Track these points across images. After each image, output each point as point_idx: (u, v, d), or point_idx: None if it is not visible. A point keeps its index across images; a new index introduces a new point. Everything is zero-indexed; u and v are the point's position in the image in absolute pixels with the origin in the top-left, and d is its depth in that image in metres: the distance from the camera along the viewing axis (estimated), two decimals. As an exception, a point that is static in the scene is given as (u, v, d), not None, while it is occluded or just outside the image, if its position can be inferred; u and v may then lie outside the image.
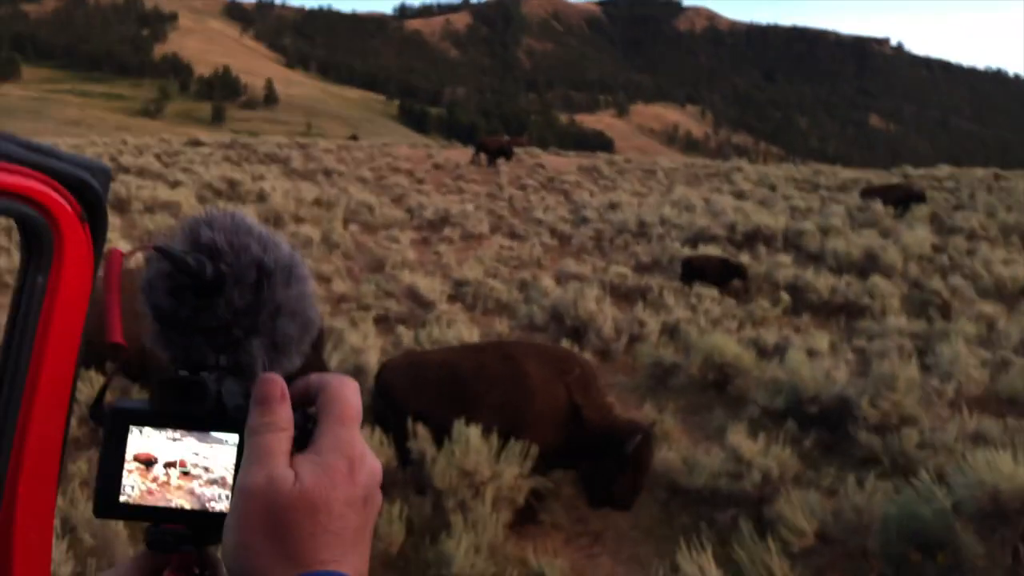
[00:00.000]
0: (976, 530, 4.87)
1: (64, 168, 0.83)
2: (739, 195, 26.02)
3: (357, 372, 7.66)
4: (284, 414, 0.71)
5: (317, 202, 20.22)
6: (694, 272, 13.62)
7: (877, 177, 33.90)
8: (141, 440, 0.75)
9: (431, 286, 12.24)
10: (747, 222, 18.21)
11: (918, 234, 17.35)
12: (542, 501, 5.96)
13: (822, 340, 10.17)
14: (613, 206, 22.43)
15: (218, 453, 0.74)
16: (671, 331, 10.75)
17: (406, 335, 9.53)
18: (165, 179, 22.15)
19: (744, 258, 15.16)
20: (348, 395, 0.73)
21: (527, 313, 11.37)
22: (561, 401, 5.67)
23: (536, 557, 5.05)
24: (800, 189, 29.31)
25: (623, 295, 13.06)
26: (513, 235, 18.86)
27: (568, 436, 5.65)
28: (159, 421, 0.74)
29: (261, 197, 19.95)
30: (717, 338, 9.45)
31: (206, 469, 0.74)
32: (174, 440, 0.74)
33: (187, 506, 0.74)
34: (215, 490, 0.74)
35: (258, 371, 0.75)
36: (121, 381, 6.78)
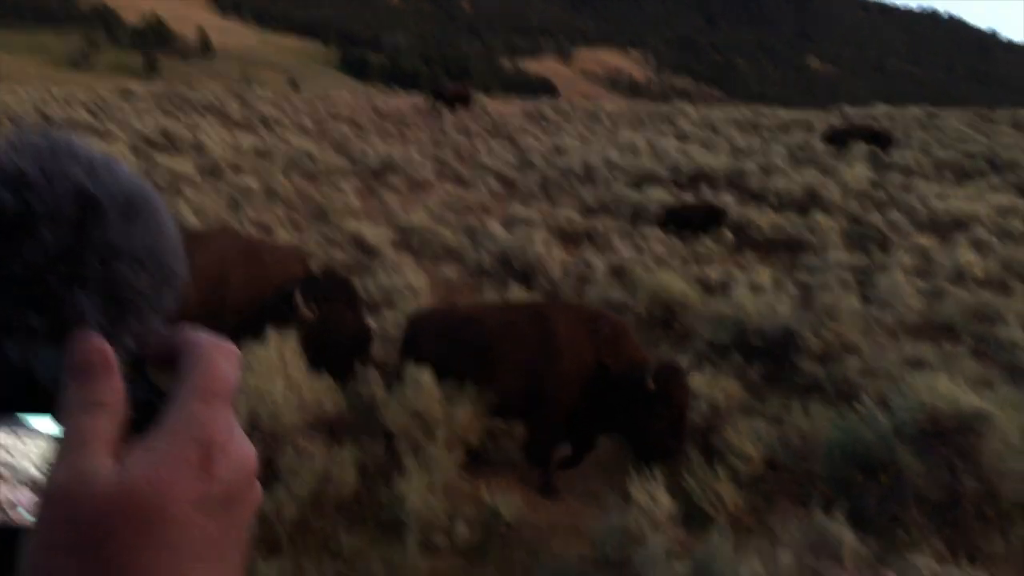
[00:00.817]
0: (916, 450, 5.03)
1: None
2: (682, 137, 26.12)
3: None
4: (107, 385, 0.52)
5: (257, 152, 19.70)
6: (677, 221, 13.38)
7: (816, 118, 34.30)
8: None
9: (377, 234, 12.07)
10: (691, 163, 18.32)
11: (856, 171, 17.67)
12: (496, 441, 5.98)
13: (765, 275, 10.34)
14: (559, 151, 22.33)
15: (29, 444, 0.55)
16: (618, 272, 10.81)
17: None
18: (96, 131, 21.32)
19: (688, 198, 15.26)
20: (218, 362, 0.54)
21: (475, 258, 11.30)
22: (588, 361, 5.57)
23: (490, 495, 5.08)
24: (742, 130, 29.54)
25: (570, 238, 13.07)
26: (459, 181, 18.67)
27: (596, 397, 5.56)
28: None
29: (199, 148, 19.35)
30: (663, 276, 9.53)
31: (11, 468, 0.55)
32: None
33: None
34: (25, 495, 0.54)
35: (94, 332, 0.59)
36: None
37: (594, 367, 5.56)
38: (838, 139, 22.10)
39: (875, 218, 14.07)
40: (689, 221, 13.34)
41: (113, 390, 0.52)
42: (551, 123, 31.08)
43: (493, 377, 5.60)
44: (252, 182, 15.76)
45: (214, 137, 20.42)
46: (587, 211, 15.39)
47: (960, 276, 10.42)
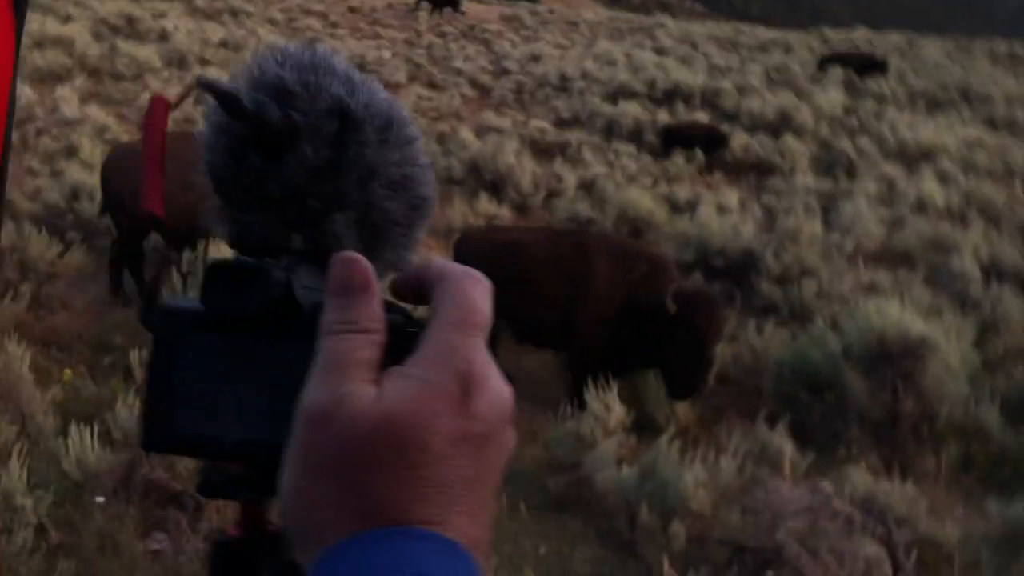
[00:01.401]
0: (862, 372, 5.25)
1: None
2: (660, 51, 25.72)
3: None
4: (367, 309, 0.50)
5: (223, 44, 19.05)
6: (675, 140, 13.00)
7: (797, 39, 33.92)
8: (198, 350, 0.55)
9: (346, 135, 11.90)
10: (667, 79, 18.13)
11: (831, 96, 17.64)
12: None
13: (732, 197, 10.44)
14: (535, 58, 21.91)
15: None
16: (588, 186, 10.83)
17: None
18: (55, 12, 20.42)
19: (662, 115, 15.18)
20: (474, 294, 0.51)
21: (445, 166, 11.21)
22: (621, 298, 5.51)
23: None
24: (721, 48, 29.16)
25: (542, 150, 12.99)
26: (432, 85, 18.31)
27: (627, 332, 5.47)
28: (217, 324, 0.54)
29: (163, 36, 18.67)
30: (632, 193, 9.59)
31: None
32: (237, 349, 0.54)
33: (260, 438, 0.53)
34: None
35: None
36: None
37: (626, 302, 5.49)
38: (829, 64, 21.71)
39: (845, 144, 14.15)
40: (688, 142, 13.00)
41: (373, 314, 0.50)
42: (529, 29, 30.37)
43: (530, 303, 5.58)
44: (219, 75, 15.31)
45: (180, 26, 19.70)
46: (560, 123, 15.26)
47: (922, 206, 10.60)
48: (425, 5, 29.57)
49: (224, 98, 0.54)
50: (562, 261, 5.77)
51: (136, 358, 4.91)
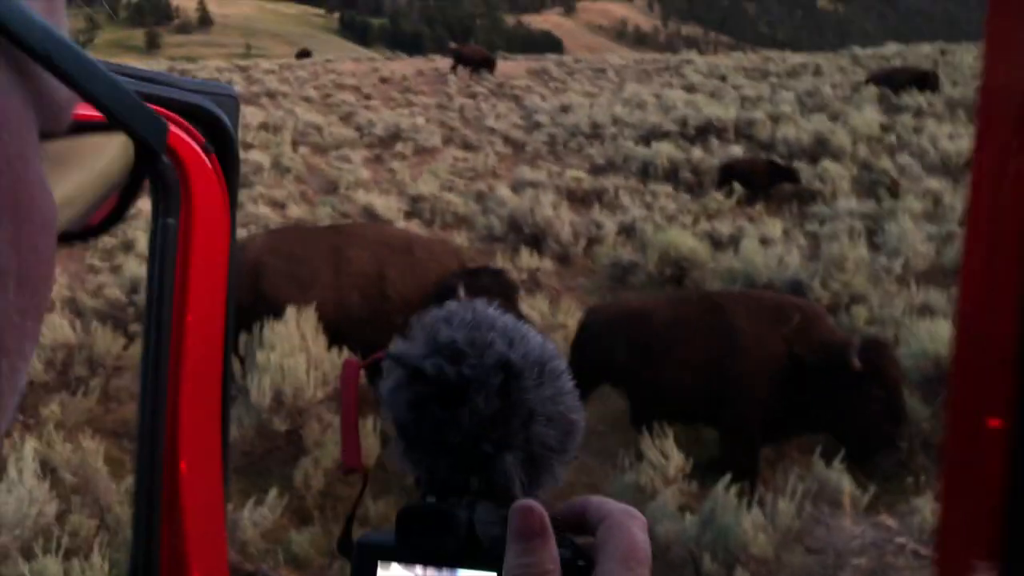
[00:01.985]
0: (922, 397, 5.16)
1: (182, 97, 0.74)
2: (690, 88, 25.88)
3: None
4: (546, 553, 0.56)
5: (263, 126, 19.75)
6: (734, 177, 12.54)
7: (826, 61, 33.82)
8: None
9: (387, 204, 12.19)
10: (698, 115, 18.22)
11: (866, 115, 17.51)
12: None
13: (775, 227, 10.40)
14: (565, 109, 22.23)
15: None
16: (628, 230, 10.89)
17: (366, 255, 9.55)
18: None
19: (696, 152, 15.23)
20: (635, 531, 0.58)
21: (485, 224, 11.41)
22: (778, 356, 5.03)
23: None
24: (750, 78, 29.21)
25: (580, 199, 13.12)
26: (466, 146, 18.69)
27: (792, 392, 4.98)
28: (406, 557, 0.62)
29: (205, 125, 19.44)
30: (673, 234, 9.61)
31: None
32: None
33: None
34: None
35: (516, 492, 0.64)
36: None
37: (784, 360, 5.00)
38: (884, 82, 21.18)
39: (885, 163, 14.01)
40: (747, 179, 12.44)
41: (552, 558, 0.56)
42: (556, 80, 30.86)
43: (662, 377, 5.27)
44: (261, 158, 15.86)
45: (221, 113, 20.48)
46: (595, 170, 15.41)
47: (970, 218, 10.39)
48: (462, 70, 30.17)
49: (411, 369, 0.63)
50: (695, 324, 5.39)
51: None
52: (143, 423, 0.91)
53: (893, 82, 21.06)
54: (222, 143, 0.78)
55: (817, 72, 30.61)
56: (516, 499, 0.63)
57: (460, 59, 30.21)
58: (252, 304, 5.94)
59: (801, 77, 28.93)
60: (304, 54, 46.47)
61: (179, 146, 0.74)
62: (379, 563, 0.63)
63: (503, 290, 5.69)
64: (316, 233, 7.03)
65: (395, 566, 0.62)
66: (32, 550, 3.72)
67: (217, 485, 0.96)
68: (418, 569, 0.62)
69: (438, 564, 0.61)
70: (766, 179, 12.54)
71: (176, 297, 0.79)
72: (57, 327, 6.61)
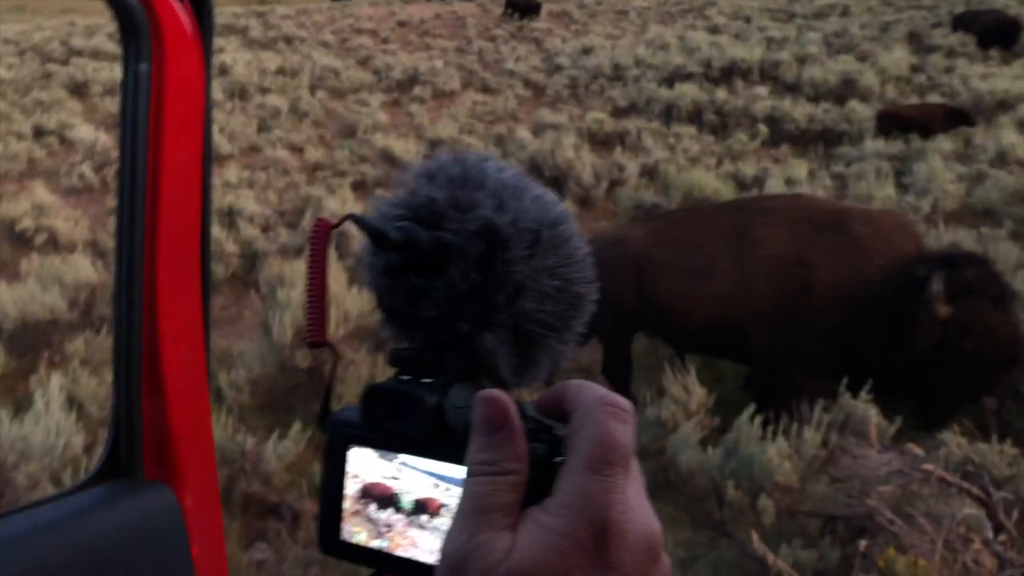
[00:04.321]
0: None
1: None
2: (713, 30, 25.31)
3: (338, 237, 7.68)
4: (508, 449, 0.49)
5: (281, 71, 19.58)
6: (899, 124, 11.47)
7: (854, 1, 32.90)
8: (366, 464, 0.57)
9: (405, 148, 12.08)
10: (722, 57, 17.84)
11: (895, 55, 17.07)
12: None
13: (800, 168, 10.21)
14: (586, 51, 21.84)
15: (455, 490, 0.55)
16: (650, 172, 10.74)
17: (385, 197, 9.51)
18: (117, 58, 21.30)
19: (721, 93, 14.94)
20: (610, 426, 0.49)
21: (505, 166, 11.29)
22: (844, 290, 4.39)
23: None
24: (776, 19, 28.51)
25: (601, 141, 12.94)
26: (486, 89, 18.44)
27: (855, 343, 4.29)
28: (372, 441, 0.57)
29: (223, 70, 19.28)
30: (696, 174, 9.48)
31: (443, 510, 0.55)
32: (402, 467, 0.56)
33: (421, 559, 0.55)
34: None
35: (503, 374, 0.57)
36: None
37: (858, 295, 4.30)
38: (959, 27, 19.17)
39: (915, 103, 13.67)
40: (917, 124, 11.32)
41: (516, 456, 0.50)
42: (578, 23, 30.27)
43: (696, 298, 4.73)
44: (279, 102, 15.75)
45: (237, 58, 20.32)
46: (617, 112, 15.18)
47: (1003, 159, 10.16)
48: (511, 15, 29.94)
49: (372, 235, 0.56)
50: (748, 238, 4.68)
51: (225, 380, 5.12)
52: (119, 284, 0.89)
53: (974, 27, 18.61)
54: None
55: (845, 13, 29.80)
56: (506, 382, 0.57)
57: (511, 4, 30.36)
58: (637, 308, 4.99)
59: (828, 18, 28.19)
60: None
61: None
62: (352, 446, 0.57)
63: (992, 288, 4.12)
64: (712, 212, 5.51)
65: (369, 450, 0.57)
66: (61, 479, 3.78)
67: (199, 347, 0.94)
68: (392, 455, 0.56)
69: (405, 450, 0.55)
70: (942, 124, 11.27)
71: (150, 147, 0.75)
72: (79, 267, 6.64)
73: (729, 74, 17.16)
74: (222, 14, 34.13)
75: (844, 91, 14.96)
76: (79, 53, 22.61)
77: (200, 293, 0.92)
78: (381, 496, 0.57)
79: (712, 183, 9.25)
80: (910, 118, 11.47)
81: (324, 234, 0.59)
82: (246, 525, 4.03)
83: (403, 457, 0.56)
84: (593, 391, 0.51)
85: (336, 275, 5.75)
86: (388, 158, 11.81)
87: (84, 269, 6.61)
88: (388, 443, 0.56)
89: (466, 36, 26.54)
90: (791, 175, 9.88)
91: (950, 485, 2.81)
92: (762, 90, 15.29)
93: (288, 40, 26.58)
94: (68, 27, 30.44)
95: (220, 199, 9.46)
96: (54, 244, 8.42)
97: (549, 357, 0.59)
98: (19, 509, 1.00)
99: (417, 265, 0.57)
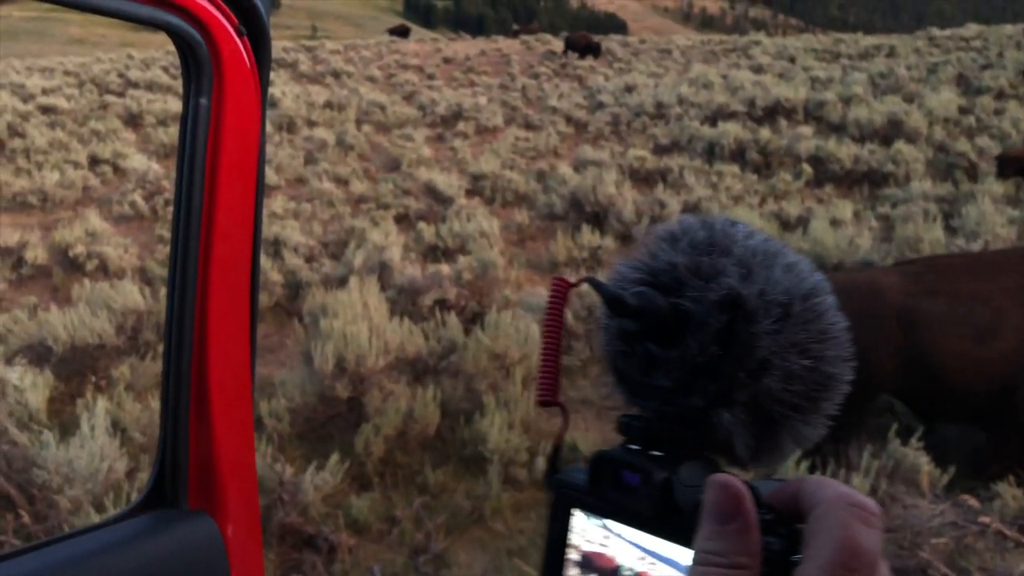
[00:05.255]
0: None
1: None
2: (757, 69, 25.30)
3: (381, 269, 7.75)
4: (740, 542, 0.46)
5: (328, 105, 19.98)
6: (1015, 168, 11.07)
7: (900, 42, 32.71)
8: (580, 526, 0.56)
9: (448, 182, 12.20)
10: (766, 96, 17.79)
11: (943, 97, 16.87)
12: (572, 379, 6.10)
13: (845, 209, 10.09)
14: (629, 89, 21.95)
15: (660, 566, 0.53)
16: (692, 210, 10.69)
17: (427, 231, 9.58)
18: (175, 92, 21.92)
19: (764, 132, 14.87)
20: (855, 529, 0.45)
21: (546, 202, 11.33)
22: None
23: (568, 431, 5.20)
24: (820, 60, 28.43)
25: (643, 178, 12.94)
26: (528, 125, 18.59)
27: None
28: (597, 509, 0.55)
29: (272, 103, 19.73)
30: (738, 213, 9.40)
31: None
32: (608, 535, 0.55)
33: None
34: None
35: (740, 454, 0.53)
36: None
37: None
38: None
39: (963, 145, 13.47)
40: None
41: (748, 551, 0.47)
42: (621, 61, 30.49)
43: (961, 357, 4.28)
44: (326, 135, 16.04)
45: (287, 92, 20.78)
46: (659, 150, 15.18)
47: (1055, 202, 9.95)
48: (572, 55, 30.44)
49: (609, 300, 0.53)
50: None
51: (266, 409, 5.16)
52: (170, 313, 0.90)
53: None
54: (255, 27, 0.75)
55: (891, 54, 29.63)
56: (743, 463, 0.54)
57: (569, 45, 30.99)
58: (894, 368, 4.31)
59: (874, 59, 28.05)
60: (400, 32, 46.64)
61: (212, 24, 0.72)
62: (576, 511, 0.56)
63: None
64: (993, 259, 4.86)
65: (581, 514, 0.56)
66: (103, 504, 3.82)
67: (246, 379, 0.94)
68: (618, 526, 0.54)
69: (630, 523, 0.53)
70: None
71: (207, 179, 0.77)
72: (128, 293, 6.77)
73: (773, 113, 17.10)
74: (273, 48, 35.08)
75: (890, 132, 14.80)
76: (135, 85, 23.32)
77: (248, 326, 0.93)
78: (604, 568, 0.55)
79: (755, 222, 9.16)
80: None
81: (563, 293, 0.57)
82: (282, 555, 4.02)
83: (610, 523, 0.54)
84: (836, 488, 0.48)
85: (377, 306, 5.78)
86: (431, 192, 11.92)
87: (132, 295, 6.74)
88: (612, 513, 0.54)
89: (510, 73, 26.86)
90: (835, 215, 9.76)
91: (1007, 538, 2.70)
92: (806, 130, 15.19)
93: (336, 75, 27.15)
94: (126, 60, 31.43)
95: (266, 229, 9.61)
96: (104, 270, 8.61)
97: (792, 439, 0.54)
98: (65, 536, 1.00)
99: (654, 332, 0.54)
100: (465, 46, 35.01)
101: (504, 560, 4.13)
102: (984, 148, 13.32)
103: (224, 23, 0.73)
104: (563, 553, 0.57)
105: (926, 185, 11.19)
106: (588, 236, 9.37)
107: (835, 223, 9.31)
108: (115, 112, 18.43)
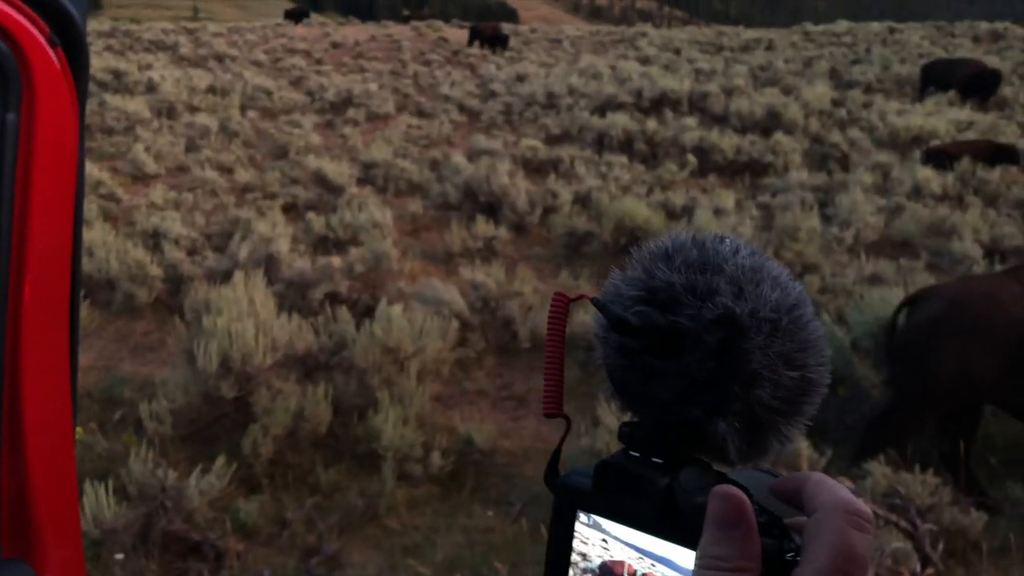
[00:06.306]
0: (873, 364, 5.22)
1: None
2: (644, 61, 25.88)
3: (268, 261, 7.51)
4: (743, 547, 0.50)
5: (211, 89, 19.20)
6: (944, 160, 11.63)
7: (778, 36, 34.09)
8: (594, 533, 0.60)
9: (338, 170, 11.94)
10: (653, 87, 18.21)
11: (818, 90, 17.71)
12: (468, 371, 6.09)
13: (728, 199, 10.44)
14: (520, 78, 22.05)
15: (660, 567, 0.56)
16: (583, 200, 10.83)
17: (316, 221, 9.35)
18: None
19: (651, 123, 15.22)
20: (851, 536, 0.49)
21: (440, 192, 11.25)
22: None
23: (463, 424, 5.20)
24: (704, 52, 29.32)
25: (535, 168, 13.02)
26: (420, 113, 18.41)
27: None
28: (603, 512, 0.59)
29: (150, 87, 18.81)
30: (627, 203, 9.59)
31: None
32: (607, 537, 0.59)
33: None
34: None
35: (732, 458, 0.57)
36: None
37: None
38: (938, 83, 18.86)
39: (836, 137, 14.18)
40: (962, 160, 11.44)
41: (750, 554, 0.50)
42: (512, 50, 30.57)
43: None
44: (208, 121, 15.42)
45: (166, 76, 19.86)
46: (551, 140, 15.31)
47: (918, 192, 10.59)
48: (476, 44, 29.92)
49: (614, 322, 0.56)
50: None
51: (146, 411, 4.91)
52: None
53: (954, 81, 18.19)
54: (69, 36, 0.69)
55: (770, 47, 30.86)
56: (733, 463, 0.58)
57: (476, 34, 30.36)
58: (1001, 377, 4.19)
59: (754, 52, 29.15)
60: (296, 15, 42.98)
61: (19, 34, 0.66)
62: (580, 512, 0.60)
63: None
64: None
65: (598, 519, 0.59)
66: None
67: (66, 406, 0.87)
68: (622, 528, 0.58)
69: (633, 526, 0.57)
70: (989, 159, 11.62)
71: (17, 200, 0.71)
72: None
73: (659, 105, 17.52)
74: (150, 29, 33.38)
75: (770, 123, 15.41)
76: None
77: (68, 353, 0.85)
78: (604, 570, 0.58)
79: (643, 212, 9.37)
80: (957, 155, 11.73)
81: (563, 307, 0.60)
82: (165, 566, 3.85)
83: (607, 525, 0.58)
84: (834, 492, 0.52)
85: (264, 301, 5.59)
86: (320, 180, 11.64)
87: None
88: (615, 515, 0.58)
89: (401, 59, 26.53)
90: (719, 205, 10.10)
91: (877, 516, 2.85)
92: (691, 121, 15.64)
93: (219, 59, 26.14)
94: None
95: (144, 220, 9.17)
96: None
97: (777, 440, 0.58)
98: None
99: (653, 348, 0.57)
100: (355, 31, 34.35)
101: (399, 558, 4.09)
102: (855, 139, 14.06)
103: (34, 32, 0.67)
104: (568, 553, 0.60)
105: (803, 175, 11.72)
106: (483, 226, 9.36)
107: (718, 212, 9.63)
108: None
